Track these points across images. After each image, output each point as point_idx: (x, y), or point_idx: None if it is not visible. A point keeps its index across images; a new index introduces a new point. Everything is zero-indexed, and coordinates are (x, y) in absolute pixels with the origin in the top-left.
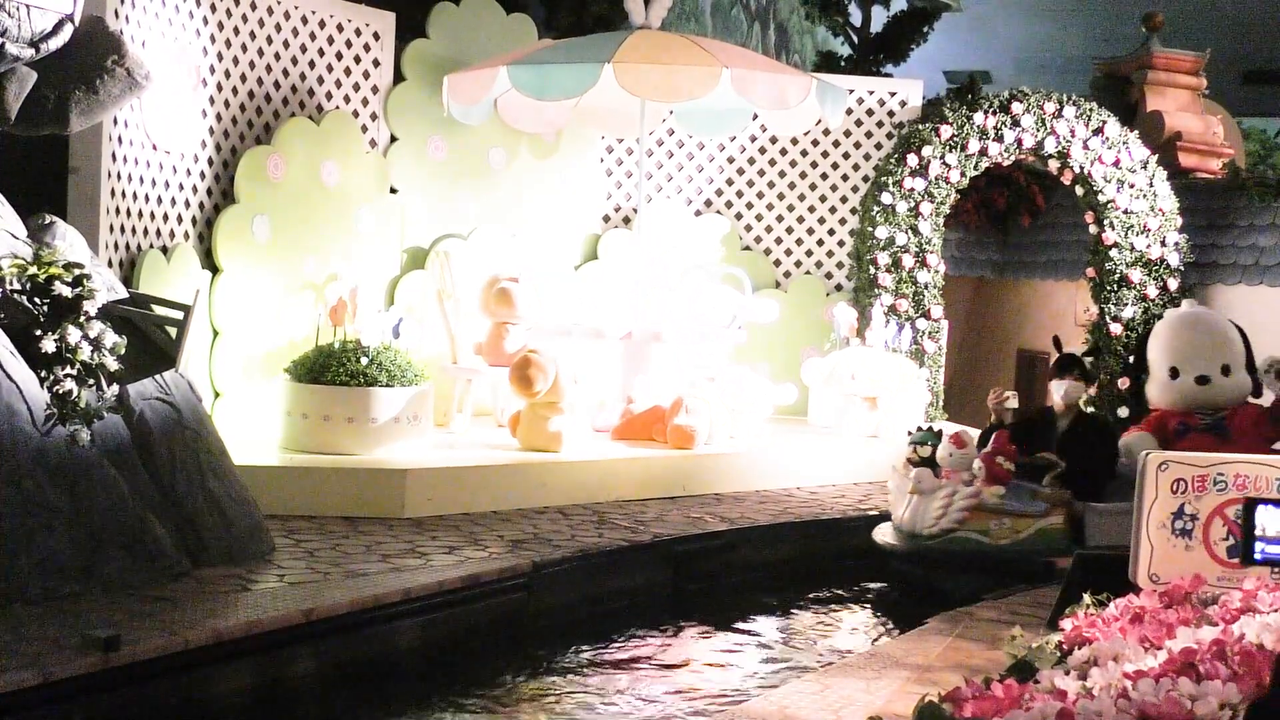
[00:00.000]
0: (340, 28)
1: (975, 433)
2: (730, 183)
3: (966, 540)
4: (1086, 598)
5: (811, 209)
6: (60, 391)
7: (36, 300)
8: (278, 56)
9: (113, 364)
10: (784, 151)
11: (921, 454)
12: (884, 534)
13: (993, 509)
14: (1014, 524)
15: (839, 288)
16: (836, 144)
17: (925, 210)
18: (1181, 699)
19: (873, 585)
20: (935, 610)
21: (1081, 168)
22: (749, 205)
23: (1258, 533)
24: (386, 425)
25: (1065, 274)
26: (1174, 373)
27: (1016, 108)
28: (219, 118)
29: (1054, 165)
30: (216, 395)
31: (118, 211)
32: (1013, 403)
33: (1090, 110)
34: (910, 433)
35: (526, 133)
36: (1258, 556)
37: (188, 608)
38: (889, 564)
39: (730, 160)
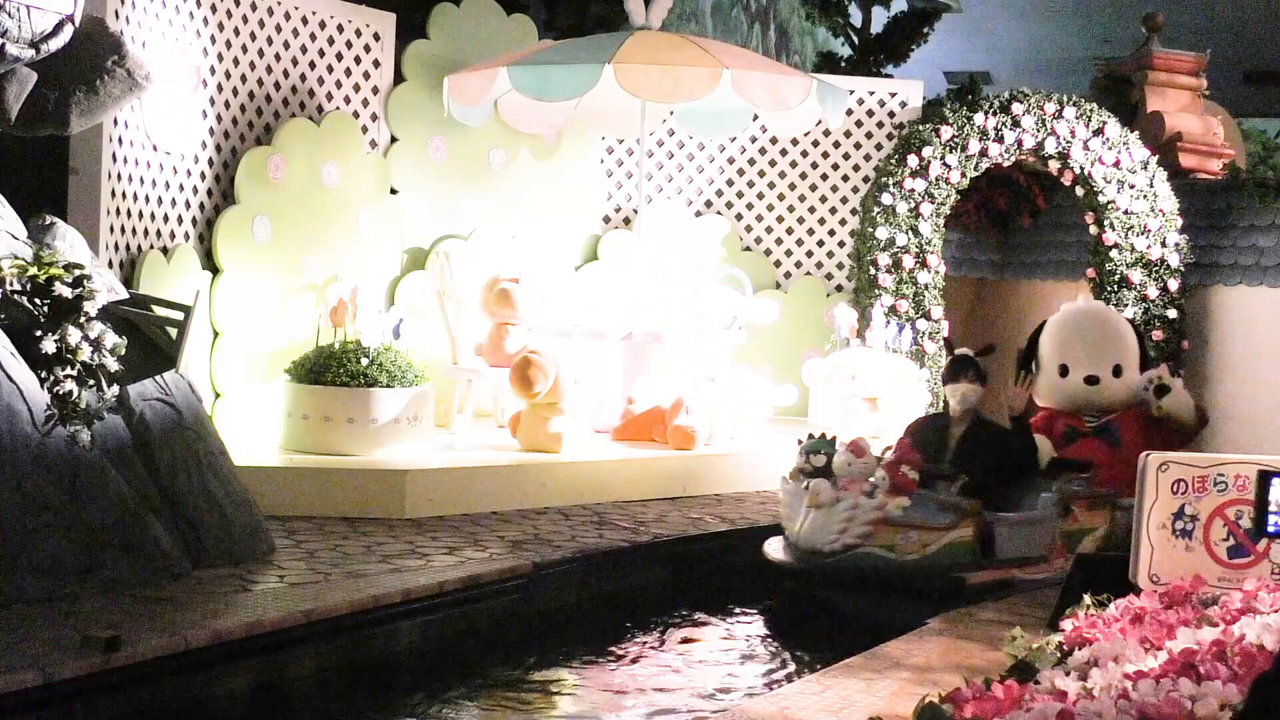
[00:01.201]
0: (340, 28)
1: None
2: (730, 183)
3: (871, 556)
4: (1087, 598)
5: (812, 210)
6: (60, 392)
7: (37, 301)
8: (278, 57)
9: (113, 365)
10: (784, 152)
11: (815, 463)
12: (776, 550)
13: (898, 522)
14: (921, 538)
15: (839, 288)
16: (837, 145)
17: (925, 211)
18: (1182, 699)
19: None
20: (841, 632)
21: (1082, 168)
22: (749, 206)
23: (1272, 507)
24: (387, 426)
25: (1066, 275)
26: (1063, 370)
27: (1017, 108)
28: (219, 118)
29: (1054, 166)
30: (217, 396)
31: (118, 212)
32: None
33: (1090, 111)
34: (801, 440)
35: (527, 133)
36: (1271, 529)
37: (188, 608)
38: (781, 582)
39: (730, 161)
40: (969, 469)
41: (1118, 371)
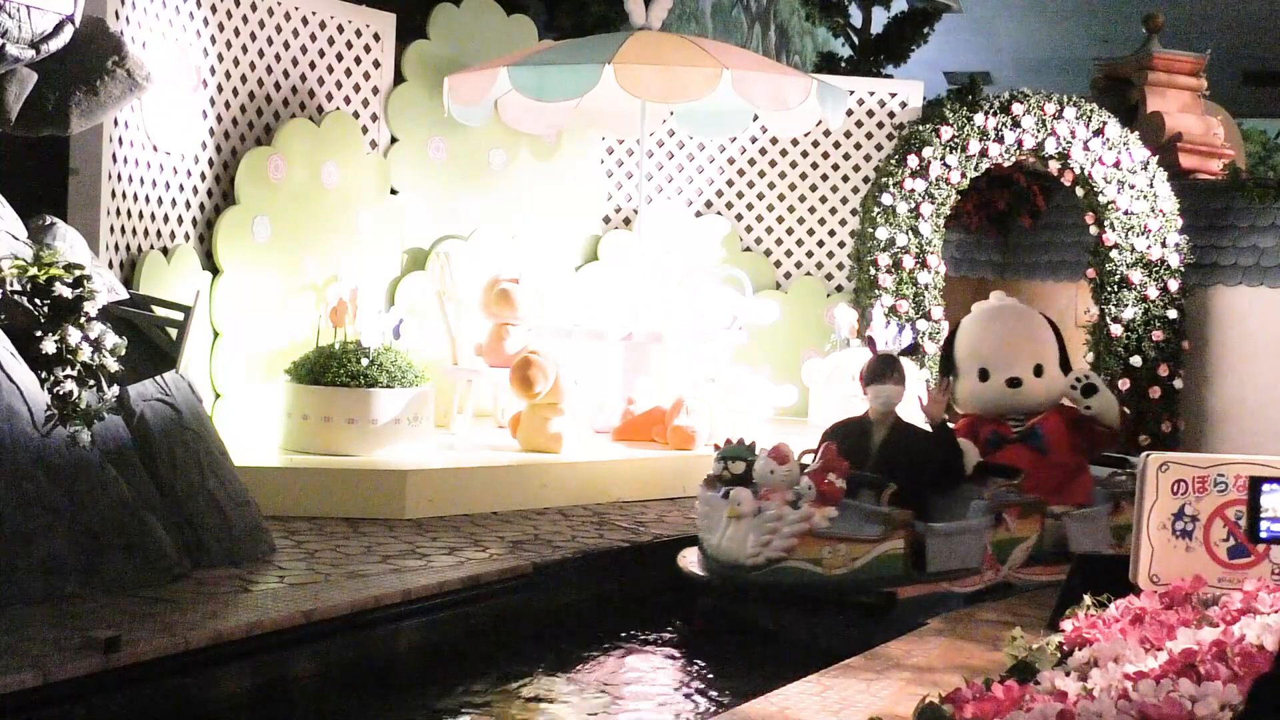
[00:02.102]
0: (340, 29)
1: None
2: (730, 184)
3: (796, 571)
4: (1087, 599)
5: (812, 210)
6: (60, 392)
7: (37, 301)
8: (278, 58)
9: (113, 365)
10: (784, 152)
11: (734, 471)
12: (692, 563)
13: (825, 534)
14: (850, 550)
15: (839, 289)
16: (837, 145)
17: (926, 211)
18: (1182, 700)
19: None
20: (768, 649)
21: (1082, 169)
22: (749, 206)
23: (1264, 513)
24: (387, 426)
25: (1066, 275)
26: (983, 374)
27: (1017, 109)
28: (219, 119)
29: (1054, 166)
30: (217, 396)
31: (118, 212)
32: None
33: (1091, 111)
34: (717, 446)
35: (527, 134)
36: (1264, 534)
37: (188, 609)
38: (697, 597)
39: (730, 161)
40: (893, 476)
41: (1039, 371)
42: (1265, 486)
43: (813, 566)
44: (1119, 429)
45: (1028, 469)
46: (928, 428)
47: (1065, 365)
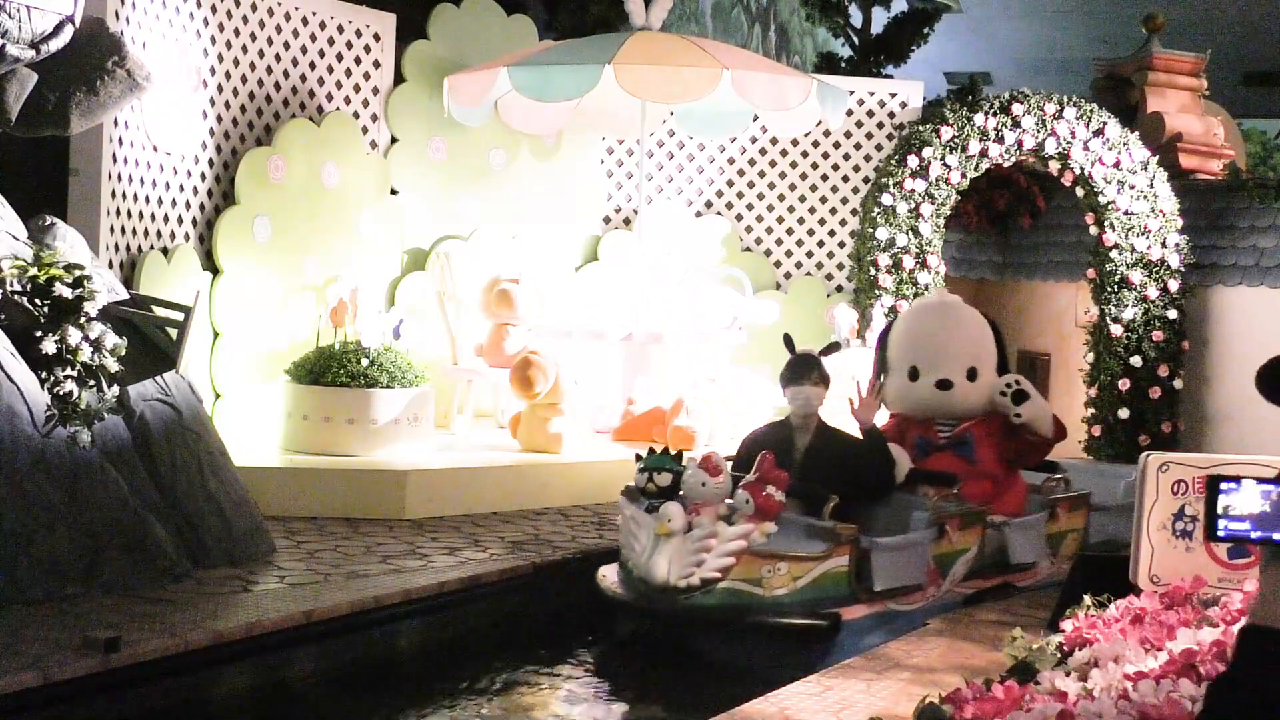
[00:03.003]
0: (341, 29)
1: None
2: (731, 184)
3: (733, 593)
4: (1087, 599)
5: (812, 210)
6: (61, 393)
7: (37, 301)
8: (278, 58)
9: (113, 365)
10: (784, 153)
11: (660, 483)
12: (614, 583)
13: (765, 552)
14: (791, 570)
15: (839, 289)
16: (837, 145)
17: (926, 211)
18: (1182, 700)
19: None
20: (695, 681)
21: (1082, 169)
22: (749, 206)
23: (1221, 512)
24: (387, 426)
25: (1066, 275)
26: (914, 373)
27: (1017, 109)
28: (219, 119)
29: (1054, 166)
30: (217, 396)
31: (118, 213)
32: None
33: (1091, 111)
34: (640, 456)
35: (527, 134)
36: (1221, 533)
37: (188, 609)
38: (620, 621)
39: (730, 161)
40: (819, 483)
41: (973, 375)
42: (1223, 485)
43: (751, 588)
44: (1050, 440)
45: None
46: (855, 433)
47: (1003, 370)
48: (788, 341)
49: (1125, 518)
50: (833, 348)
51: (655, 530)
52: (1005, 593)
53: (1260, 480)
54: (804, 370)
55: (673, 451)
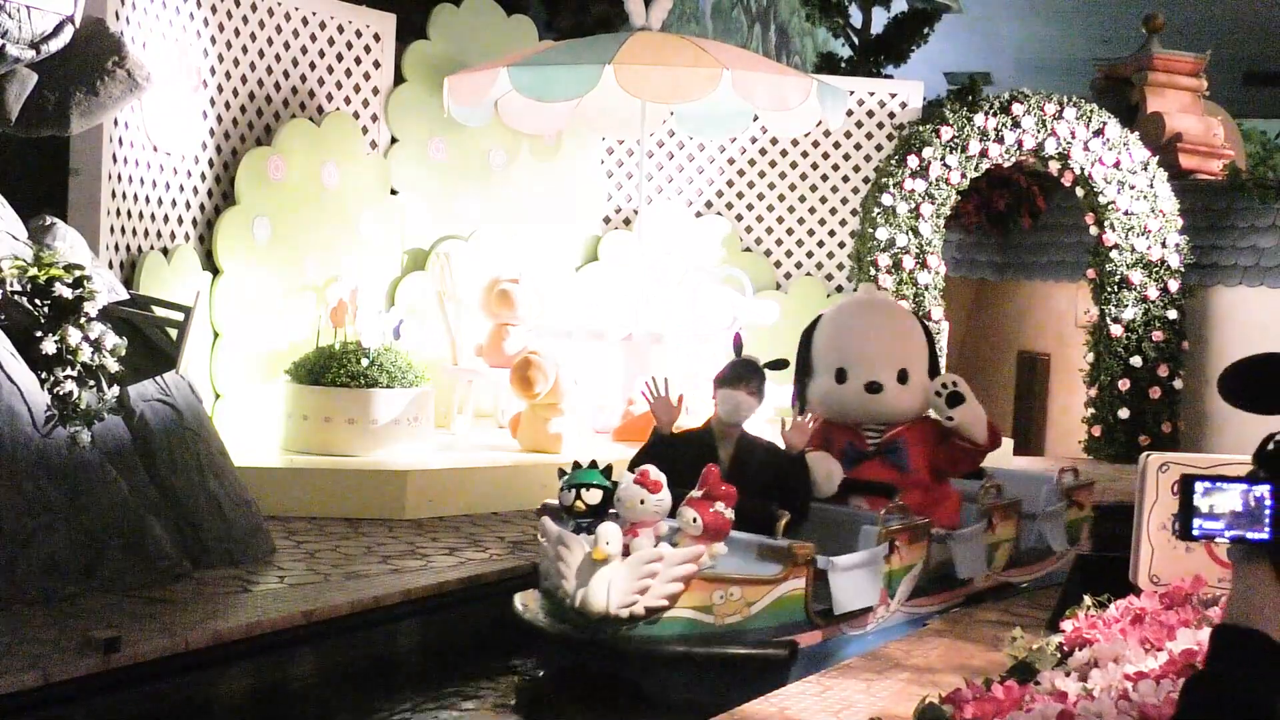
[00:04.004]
0: (341, 29)
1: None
2: (731, 184)
3: (682, 622)
4: (1087, 599)
5: (812, 210)
6: (61, 393)
7: (37, 302)
8: (278, 58)
9: (113, 365)
10: (784, 153)
11: (589, 501)
12: (538, 612)
13: (716, 577)
14: (745, 595)
15: (840, 289)
16: (837, 145)
17: (926, 211)
18: None
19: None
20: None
21: (1082, 169)
22: (749, 206)
23: (1196, 510)
24: (387, 426)
25: (1066, 275)
26: (840, 375)
27: (1017, 109)
28: (219, 119)
29: (1054, 167)
30: (217, 396)
31: (118, 213)
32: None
33: (1091, 112)
34: (564, 471)
35: (527, 134)
36: (1196, 532)
37: (188, 609)
38: (550, 653)
39: (731, 161)
40: (743, 494)
41: (903, 377)
42: (1198, 484)
43: (701, 616)
44: (985, 447)
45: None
46: (778, 443)
47: (935, 373)
48: (737, 345)
49: (1052, 524)
50: (779, 364)
51: (592, 554)
52: (953, 609)
53: (1233, 479)
54: (743, 375)
55: (600, 465)
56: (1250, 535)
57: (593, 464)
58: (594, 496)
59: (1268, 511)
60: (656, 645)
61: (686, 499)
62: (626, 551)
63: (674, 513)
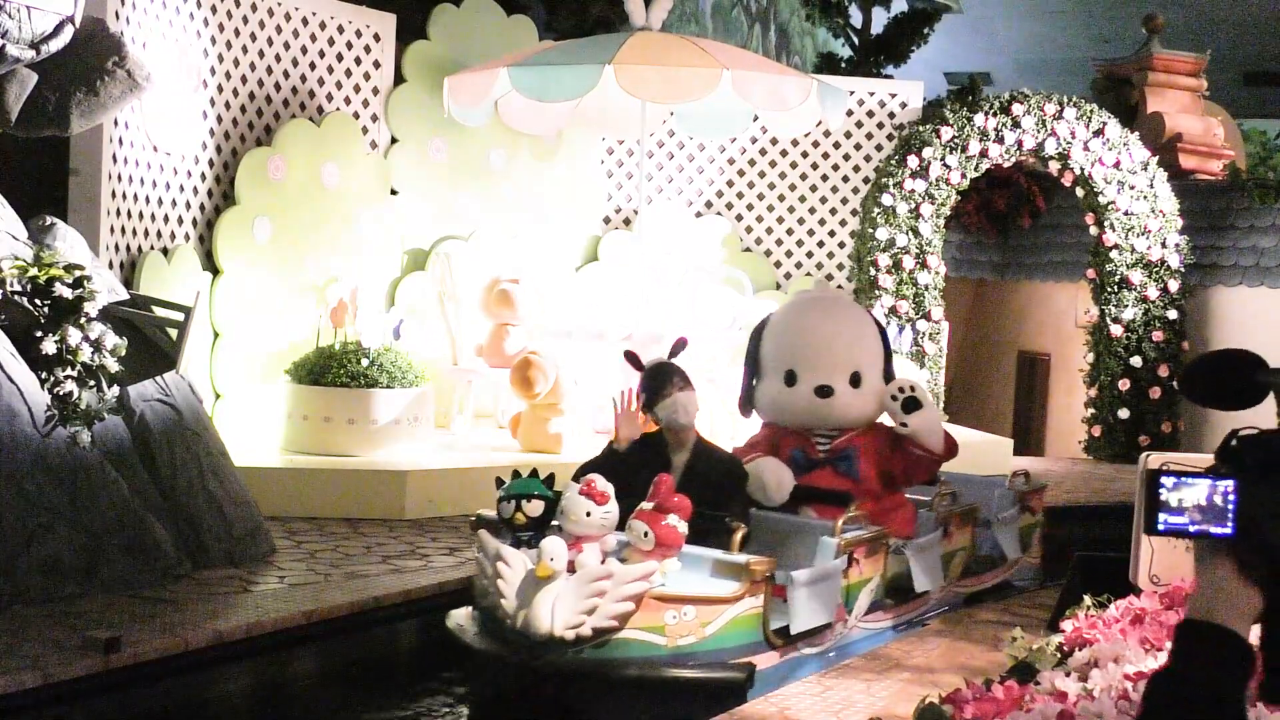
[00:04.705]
0: (341, 29)
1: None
2: (731, 184)
3: (632, 644)
4: (1087, 599)
5: (812, 210)
6: (61, 393)
7: (37, 302)
8: (278, 58)
9: (113, 365)
10: (784, 153)
11: (530, 513)
12: (475, 634)
13: (668, 595)
14: (700, 615)
15: (839, 289)
16: (837, 145)
17: (926, 212)
18: None
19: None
20: None
21: (1082, 169)
22: (749, 207)
23: (1162, 505)
24: (387, 427)
25: (1066, 275)
26: (790, 378)
27: (1017, 109)
28: (219, 119)
29: (1054, 167)
30: (217, 397)
31: (118, 213)
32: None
33: (1091, 112)
34: (501, 480)
35: (527, 134)
36: (1161, 527)
37: (188, 609)
38: (487, 677)
39: (731, 162)
40: (702, 505)
41: (856, 381)
42: (1163, 479)
43: (653, 637)
44: (940, 457)
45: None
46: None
47: (890, 377)
48: (632, 358)
49: (1005, 530)
50: (679, 348)
51: (536, 572)
52: (908, 626)
53: (1198, 475)
54: (662, 380)
55: (542, 475)
56: (1214, 530)
57: (533, 473)
58: (535, 508)
59: (1230, 507)
60: (605, 670)
61: (636, 511)
62: (572, 568)
63: (622, 526)
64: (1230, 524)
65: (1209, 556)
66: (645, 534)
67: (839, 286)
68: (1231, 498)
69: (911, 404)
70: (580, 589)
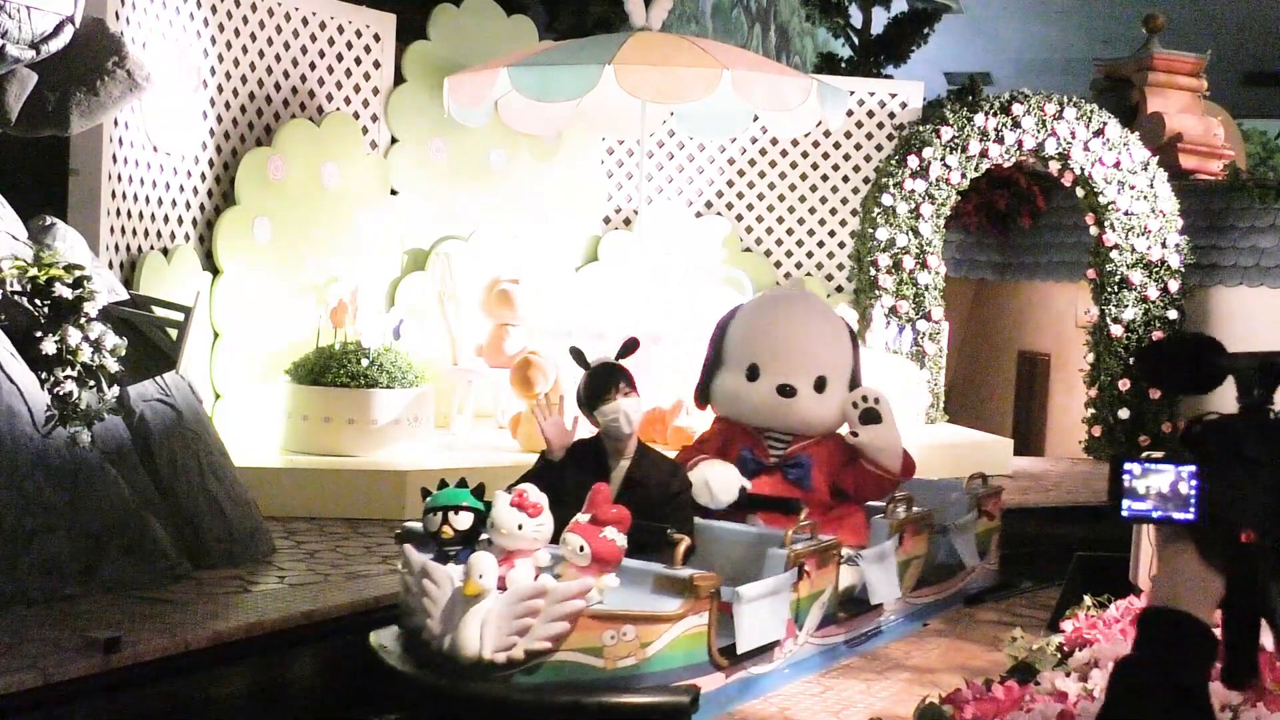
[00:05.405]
0: (341, 29)
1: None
2: (731, 184)
3: (568, 667)
4: (1087, 599)
5: (812, 210)
6: (61, 393)
7: (37, 302)
8: (278, 58)
9: (113, 365)
10: (784, 153)
11: (458, 526)
12: (400, 656)
13: (606, 614)
14: (640, 634)
15: (839, 289)
16: (837, 145)
17: (926, 212)
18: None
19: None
20: None
21: (1082, 169)
22: (749, 207)
23: (1126, 491)
24: (387, 427)
25: (1066, 276)
26: (752, 372)
27: (1017, 109)
28: (219, 119)
29: (1055, 167)
30: (217, 397)
31: (118, 213)
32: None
33: (1091, 112)
34: (427, 490)
35: (527, 134)
36: (1125, 513)
37: (188, 609)
38: (413, 702)
39: (731, 162)
40: (645, 515)
41: (821, 385)
42: (1135, 466)
43: (590, 659)
44: (896, 475)
45: None
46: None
47: (856, 386)
48: (575, 354)
49: (962, 537)
50: (631, 348)
51: (463, 590)
52: (863, 640)
53: (1163, 461)
54: (606, 383)
55: (470, 485)
56: (1176, 516)
57: (461, 482)
58: (463, 521)
59: (1193, 493)
60: (538, 695)
61: (571, 524)
62: (502, 586)
63: (557, 539)
64: (1193, 509)
65: (1172, 542)
66: (581, 548)
67: (839, 288)
68: (1193, 483)
69: (870, 415)
70: (511, 608)
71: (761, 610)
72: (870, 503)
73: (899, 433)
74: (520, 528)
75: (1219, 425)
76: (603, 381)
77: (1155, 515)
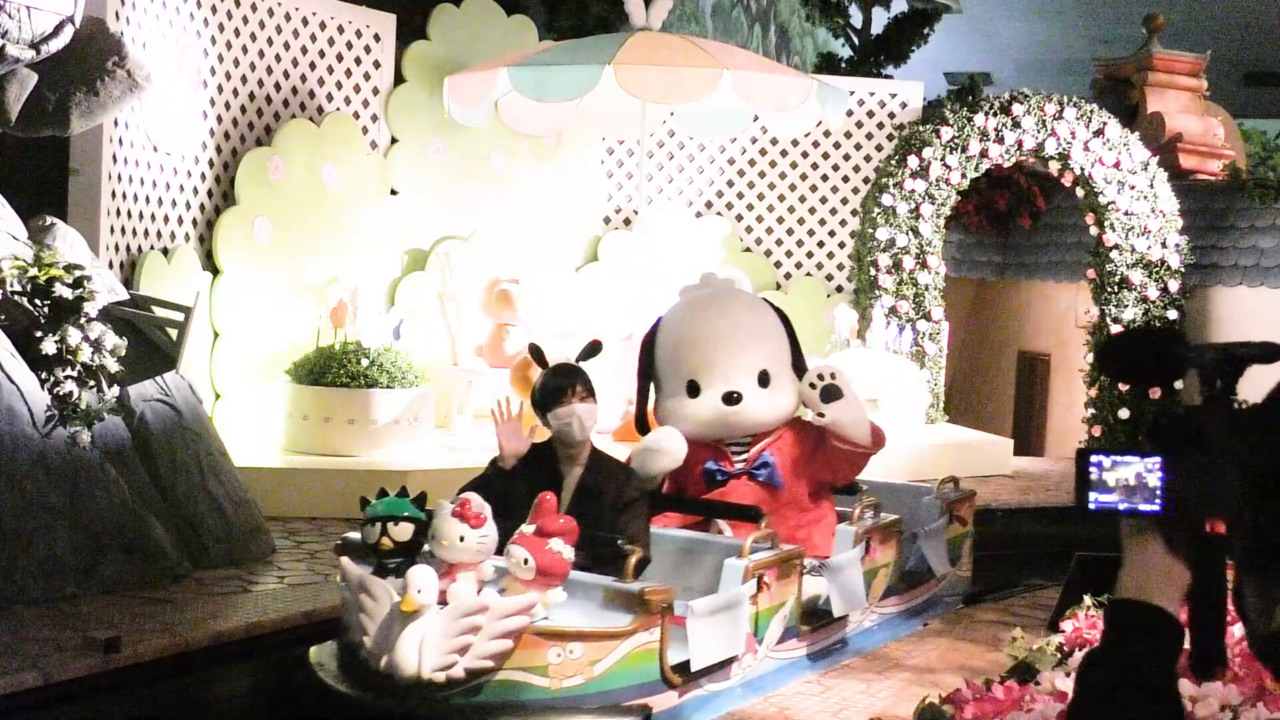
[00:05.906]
0: (341, 29)
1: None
2: (731, 184)
3: (511, 686)
4: (1087, 599)
5: (812, 210)
6: (61, 393)
7: (37, 302)
8: (278, 58)
9: (113, 365)
10: (784, 153)
11: (397, 537)
12: (335, 673)
13: (552, 630)
14: (588, 652)
15: (839, 289)
16: (837, 145)
17: (926, 212)
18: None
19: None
20: None
21: (1082, 169)
22: (749, 207)
23: (1093, 484)
24: (387, 427)
25: (1066, 276)
26: (693, 388)
27: (1017, 109)
28: (219, 119)
29: (1054, 167)
30: (217, 397)
31: (118, 213)
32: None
33: (1091, 112)
34: (366, 500)
35: (527, 134)
36: (1092, 506)
37: (188, 609)
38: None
39: (731, 162)
40: (598, 525)
41: (764, 379)
42: (1104, 459)
43: (535, 678)
44: (868, 447)
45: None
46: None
47: (800, 366)
48: (536, 353)
49: (933, 543)
50: (593, 350)
51: (401, 605)
52: (828, 652)
53: (1129, 454)
54: (563, 385)
55: (412, 493)
56: (1143, 508)
57: (402, 491)
58: (403, 532)
59: (1159, 484)
60: (480, 717)
61: (515, 535)
62: (443, 600)
63: (501, 551)
64: (1158, 501)
65: (1138, 534)
66: (525, 561)
67: (839, 288)
68: (1159, 475)
69: (831, 392)
70: (451, 624)
71: (717, 625)
72: (840, 507)
73: (863, 403)
74: (462, 539)
75: (1183, 416)
76: (558, 384)
77: (1122, 508)
